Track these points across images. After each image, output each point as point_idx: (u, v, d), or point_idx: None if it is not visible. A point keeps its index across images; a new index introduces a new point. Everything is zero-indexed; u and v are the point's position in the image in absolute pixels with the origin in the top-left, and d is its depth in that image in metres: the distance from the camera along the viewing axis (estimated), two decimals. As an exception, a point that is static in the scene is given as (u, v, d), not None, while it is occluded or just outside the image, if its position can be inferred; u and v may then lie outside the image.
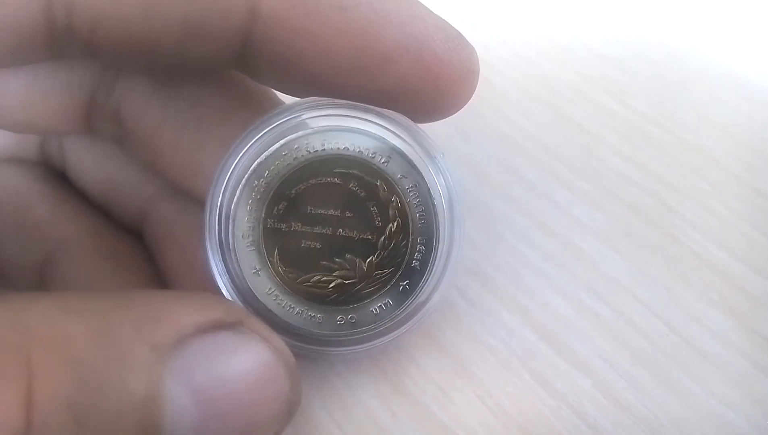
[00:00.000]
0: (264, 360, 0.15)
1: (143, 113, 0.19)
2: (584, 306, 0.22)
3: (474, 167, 0.26)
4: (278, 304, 0.17)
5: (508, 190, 0.26)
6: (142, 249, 0.21)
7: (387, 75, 0.16)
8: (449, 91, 0.17)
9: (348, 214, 0.17)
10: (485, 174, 0.26)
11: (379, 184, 0.17)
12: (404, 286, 0.17)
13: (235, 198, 0.16)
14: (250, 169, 0.17)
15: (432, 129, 0.27)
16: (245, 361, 0.14)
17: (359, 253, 0.17)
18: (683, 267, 0.23)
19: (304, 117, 0.17)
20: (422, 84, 0.16)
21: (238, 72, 0.18)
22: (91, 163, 0.21)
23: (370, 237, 0.17)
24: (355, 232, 0.17)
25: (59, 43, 0.16)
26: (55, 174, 0.22)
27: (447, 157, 0.18)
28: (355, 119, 0.17)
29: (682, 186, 0.25)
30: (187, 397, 0.13)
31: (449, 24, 0.17)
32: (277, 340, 0.15)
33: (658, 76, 0.29)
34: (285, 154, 0.17)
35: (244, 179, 0.16)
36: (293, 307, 0.17)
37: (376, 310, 0.17)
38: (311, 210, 0.17)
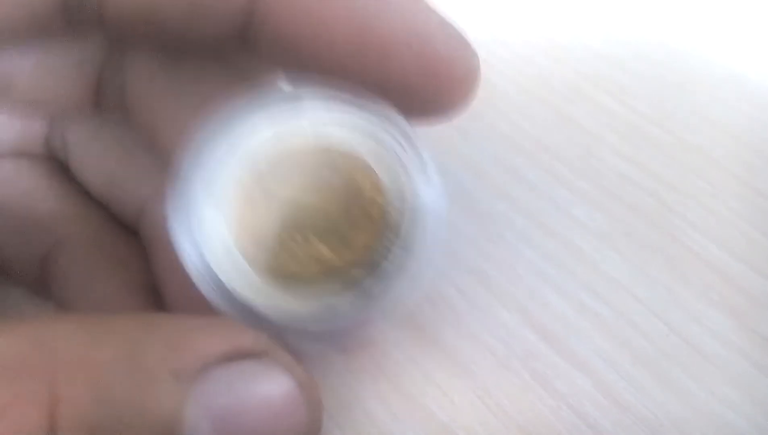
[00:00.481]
0: (285, 391, 0.14)
1: (145, 88, 0.19)
2: (584, 306, 0.22)
3: (474, 167, 0.26)
4: (233, 275, 0.16)
5: (508, 190, 0.26)
6: (141, 248, 0.21)
7: (386, 67, 0.16)
8: (448, 90, 0.17)
9: (327, 204, 0.16)
10: (485, 174, 0.26)
11: (364, 181, 0.16)
12: (369, 287, 0.16)
13: (214, 160, 0.16)
14: (235, 136, 0.16)
15: (432, 129, 0.27)
16: (267, 391, 0.14)
17: (330, 246, 0.16)
18: (683, 267, 0.23)
19: (300, 100, 0.16)
20: (422, 80, 0.16)
21: (242, 54, 0.18)
22: (93, 160, 0.21)
23: (344, 232, 0.16)
24: (330, 224, 0.16)
25: (71, 17, 0.16)
26: (60, 169, 0.22)
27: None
28: (353, 115, 0.16)
29: (682, 186, 0.25)
30: (207, 425, 0.13)
31: (452, 24, 0.17)
32: (301, 371, 0.15)
33: (658, 76, 0.29)
34: (274, 133, 0.16)
35: (225, 145, 0.16)
36: (238, 270, 0.16)
37: (333, 306, 0.16)
38: (290, 192, 0.16)
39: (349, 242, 0.16)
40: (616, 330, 0.22)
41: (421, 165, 0.16)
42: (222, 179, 0.16)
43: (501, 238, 0.24)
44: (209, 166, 0.16)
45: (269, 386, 0.14)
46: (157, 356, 0.13)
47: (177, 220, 0.16)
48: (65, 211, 0.21)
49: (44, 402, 0.12)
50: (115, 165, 0.21)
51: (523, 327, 0.22)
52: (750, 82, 0.29)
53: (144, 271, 0.20)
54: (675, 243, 0.24)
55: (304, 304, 0.16)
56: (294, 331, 0.16)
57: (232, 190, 0.16)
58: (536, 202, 0.25)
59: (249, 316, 0.16)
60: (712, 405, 0.20)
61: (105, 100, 0.19)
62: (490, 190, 0.26)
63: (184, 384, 0.13)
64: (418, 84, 0.16)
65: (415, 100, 0.17)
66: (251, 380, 0.14)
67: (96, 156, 0.21)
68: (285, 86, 0.17)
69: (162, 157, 0.20)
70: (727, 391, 0.20)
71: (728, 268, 0.23)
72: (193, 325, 0.14)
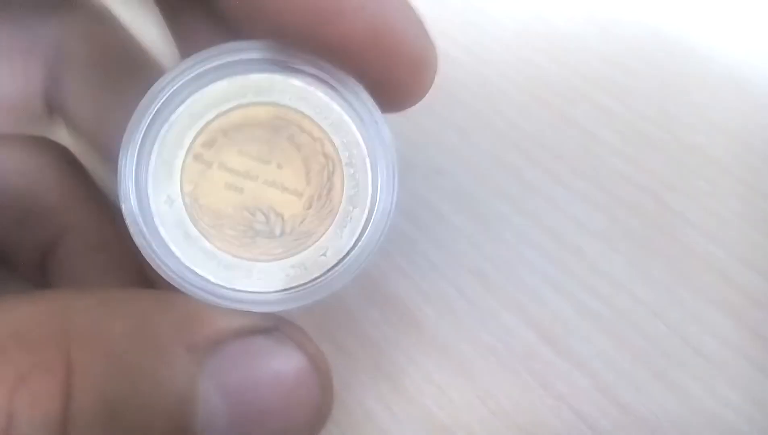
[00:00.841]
0: (297, 366, 0.15)
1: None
2: (584, 306, 0.22)
3: (474, 167, 0.26)
4: (181, 243, 0.16)
5: (508, 190, 0.26)
6: None
7: (338, 30, 0.15)
8: (401, 68, 0.16)
9: (280, 167, 0.16)
10: (485, 174, 0.26)
11: (320, 146, 0.16)
12: (323, 254, 0.16)
13: (172, 117, 0.16)
14: (196, 94, 0.16)
15: (431, 129, 0.27)
16: (279, 366, 0.14)
17: (283, 209, 0.16)
18: (683, 267, 0.23)
19: (267, 69, 0.16)
20: (375, 54, 0.16)
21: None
22: (86, 106, 0.21)
23: (296, 197, 0.16)
24: (282, 188, 0.16)
25: None
26: (67, 158, 0.22)
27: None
28: (317, 86, 0.16)
29: (682, 186, 0.25)
30: (219, 399, 0.13)
31: (411, 8, 0.17)
32: (313, 346, 0.15)
33: (658, 76, 0.29)
34: (230, 91, 0.16)
35: (185, 103, 0.16)
36: (198, 250, 0.16)
37: (288, 273, 0.16)
38: (242, 154, 0.16)
39: (298, 207, 0.16)
40: (616, 330, 0.22)
41: (380, 140, 0.16)
42: (177, 150, 0.16)
43: (501, 238, 0.24)
44: (162, 135, 0.16)
45: (282, 362, 0.14)
46: (170, 331, 0.13)
47: (126, 162, 0.15)
48: (71, 202, 0.21)
49: (60, 372, 0.12)
50: (105, 107, 0.21)
51: (523, 327, 0.22)
52: (750, 82, 0.29)
53: (137, 269, 0.21)
54: (675, 243, 0.24)
55: (265, 285, 0.16)
56: (230, 297, 0.16)
57: (189, 162, 0.16)
58: (536, 202, 0.25)
59: (184, 275, 0.16)
60: (712, 405, 0.20)
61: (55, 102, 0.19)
62: (490, 190, 0.26)
63: (197, 358, 0.13)
64: (370, 54, 0.16)
65: (371, 75, 0.16)
66: (264, 356, 0.14)
67: (90, 101, 0.21)
68: (254, 54, 0.17)
69: None
70: (727, 391, 0.20)
71: (728, 268, 0.23)
72: (205, 305, 0.15)
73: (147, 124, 0.16)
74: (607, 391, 0.21)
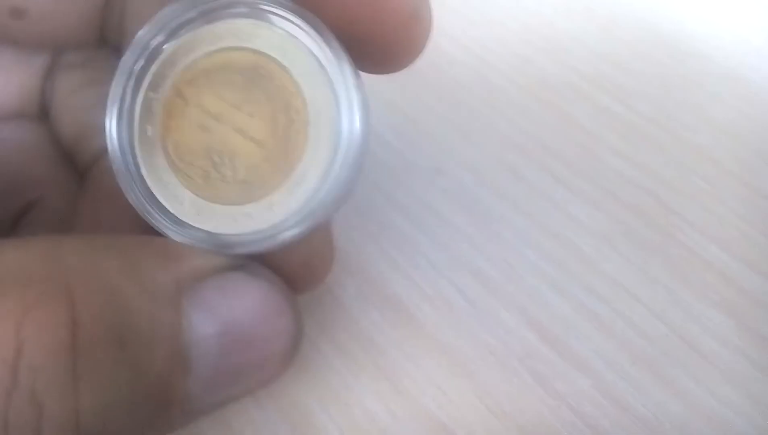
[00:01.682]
0: (271, 296, 0.16)
1: (140, 15, 0.19)
2: (584, 306, 0.22)
3: (473, 167, 0.26)
4: (152, 175, 0.16)
5: (508, 190, 0.26)
6: None
7: None
8: (392, 29, 0.16)
9: (251, 116, 0.16)
10: (485, 174, 0.26)
11: (291, 101, 0.16)
12: (272, 206, 0.16)
13: (162, 55, 0.16)
14: (185, 35, 0.16)
15: (431, 129, 0.27)
16: (256, 297, 0.15)
17: (241, 157, 0.16)
18: (683, 267, 0.23)
19: (249, 6, 0.16)
20: (363, 7, 0.16)
21: None
22: (70, 108, 0.21)
23: (258, 148, 0.16)
24: (247, 136, 0.16)
25: None
26: (50, 133, 0.22)
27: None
28: (300, 32, 0.16)
29: (682, 186, 0.25)
30: (209, 329, 0.14)
31: None
32: (279, 280, 0.16)
33: (658, 76, 0.29)
34: (216, 34, 0.16)
35: (173, 42, 0.16)
36: (166, 183, 0.16)
37: (236, 218, 0.16)
38: (219, 97, 0.16)
39: (258, 157, 0.16)
40: (616, 330, 0.22)
41: (349, 92, 0.16)
42: (161, 85, 0.16)
43: (501, 238, 0.24)
44: (152, 70, 0.16)
45: (256, 293, 0.15)
46: (156, 265, 0.14)
47: (113, 97, 0.16)
48: (45, 174, 0.21)
49: (64, 302, 0.12)
50: (87, 117, 0.21)
51: (523, 327, 0.22)
52: (750, 82, 0.29)
53: None
54: (675, 243, 0.24)
55: (230, 227, 0.16)
56: (182, 227, 0.16)
57: (171, 97, 0.17)
58: (536, 201, 0.25)
59: (152, 207, 0.16)
60: (712, 405, 0.20)
61: (109, 30, 0.20)
62: (490, 190, 0.26)
63: (184, 289, 0.14)
64: (359, 14, 0.16)
65: (359, 30, 0.16)
66: (241, 288, 0.15)
67: (74, 105, 0.21)
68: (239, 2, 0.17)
69: None
70: (727, 391, 0.20)
71: (728, 268, 0.23)
72: (181, 245, 0.15)
73: (143, 61, 0.16)
74: (607, 391, 0.21)
